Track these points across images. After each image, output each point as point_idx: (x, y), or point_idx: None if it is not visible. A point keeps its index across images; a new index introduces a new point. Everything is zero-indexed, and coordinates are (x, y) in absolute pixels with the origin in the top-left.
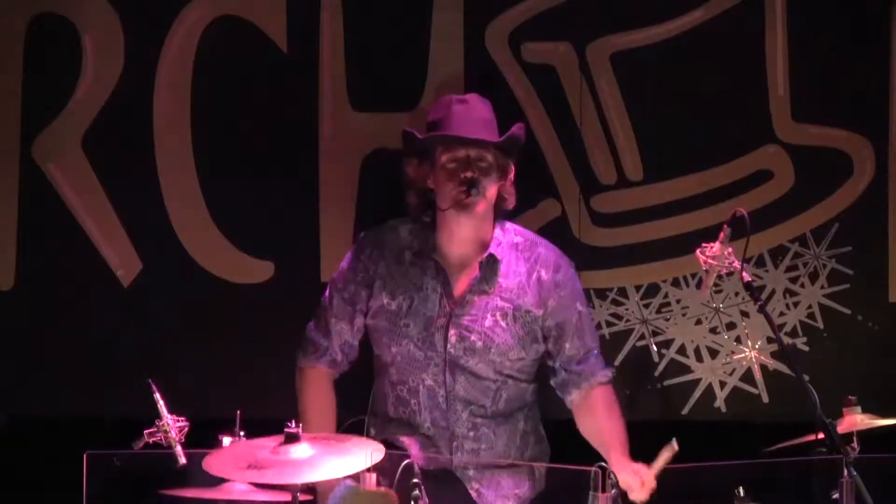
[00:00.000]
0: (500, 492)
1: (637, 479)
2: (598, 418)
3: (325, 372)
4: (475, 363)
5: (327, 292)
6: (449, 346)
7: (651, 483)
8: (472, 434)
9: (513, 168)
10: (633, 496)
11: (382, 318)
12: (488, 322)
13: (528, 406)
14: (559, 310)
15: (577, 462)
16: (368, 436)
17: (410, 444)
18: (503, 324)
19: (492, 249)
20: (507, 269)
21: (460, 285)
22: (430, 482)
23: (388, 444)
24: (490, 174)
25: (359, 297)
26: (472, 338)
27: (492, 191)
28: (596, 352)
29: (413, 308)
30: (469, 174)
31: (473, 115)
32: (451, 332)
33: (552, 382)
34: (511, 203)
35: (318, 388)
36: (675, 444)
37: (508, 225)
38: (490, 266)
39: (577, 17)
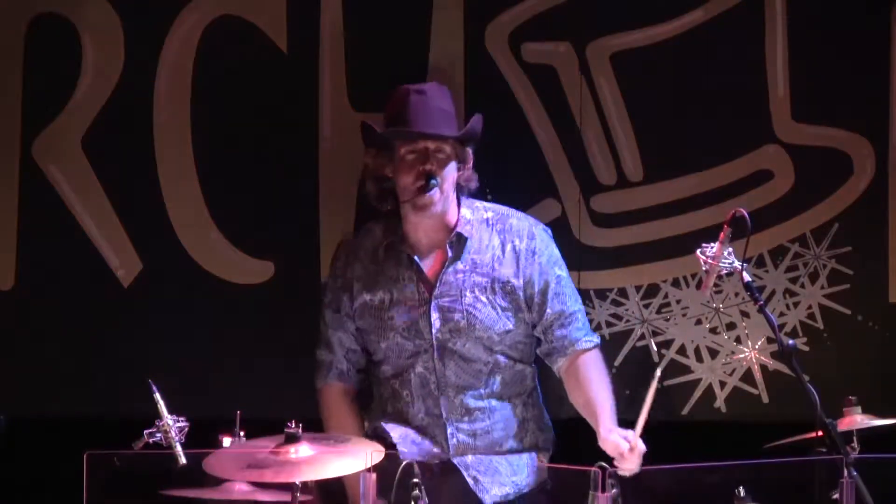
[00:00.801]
0: (496, 479)
1: (625, 443)
2: (586, 385)
3: (337, 387)
4: (463, 344)
5: (322, 309)
6: (435, 330)
7: (640, 448)
8: (465, 419)
9: (471, 155)
10: (624, 465)
11: (368, 315)
12: (468, 299)
13: (527, 392)
14: (538, 276)
15: (577, 462)
16: (364, 434)
17: (402, 439)
18: (483, 298)
19: (459, 228)
20: (478, 244)
21: (433, 269)
22: (426, 472)
23: (379, 437)
24: (448, 164)
25: (342, 303)
26: (456, 317)
27: (450, 179)
28: (580, 316)
29: (394, 300)
30: (427, 167)
31: (430, 106)
32: (434, 315)
33: (539, 351)
34: (473, 185)
35: (333, 403)
36: (657, 373)
37: (478, 203)
38: (459, 245)
39: (577, 17)
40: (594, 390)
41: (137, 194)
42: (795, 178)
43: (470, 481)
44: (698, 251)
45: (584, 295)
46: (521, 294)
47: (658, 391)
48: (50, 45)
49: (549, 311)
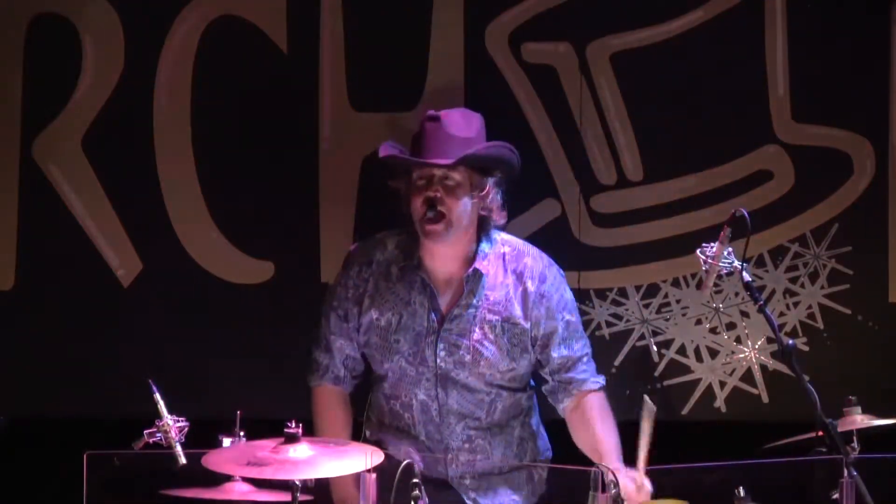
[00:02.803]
0: (496, 499)
1: (632, 484)
2: (592, 427)
3: (331, 389)
4: (466, 376)
5: (323, 311)
6: (439, 360)
7: (646, 485)
8: (466, 446)
9: (489, 185)
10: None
11: (373, 333)
12: (476, 335)
13: (524, 412)
14: (544, 320)
15: (577, 462)
16: (364, 438)
17: (409, 452)
18: (491, 336)
19: (476, 264)
20: (493, 281)
21: (447, 300)
22: (427, 492)
23: (382, 447)
24: (458, 192)
25: (351, 313)
26: (461, 352)
27: (461, 209)
28: (586, 359)
29: (402, 323)
30: (430, 193)
31: (443, 133)
32: (440, 346)
33: (544, 390)
34: (498, 218)
35: (327, 404)
36: (650, 403)
37: (497, 235)
38: (475, 280)
39: (577, 17)
40: (600, 431)
41: (137, 194)
42: (795, 178)
43: (469, 503)
44: (698, 251)
45: (585, 295)
46: (528, 336)
47: (658, 391)
48: (50, 45)
49: (555, 355)
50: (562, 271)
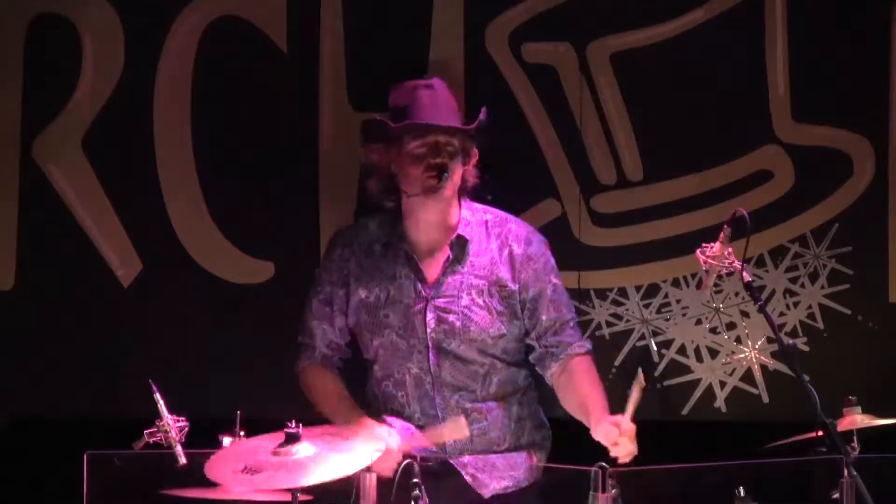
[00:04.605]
0: (494, 473)
1: (615, 428)
2: (579, 386)
3: (318, 366)
4: (458, 345)
5: (307, 298)
6: (429, 329)
7: (629, 428)
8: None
9: (475, 151)
10: (616, 451)
11: (363, 312)
12: (465, 301)
13: (521, 391)
14: (533, 282)
15: (577, 462)
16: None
17: (405, 426)
18: (480, 301)
19: (460, 230)
20: (477, 246)
21: (432, 269)
22: (424, 472)
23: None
24: (456, 158)
25: (336, 296)
26: (451, 318)
27: (457, 175)
28: (572, 323)
29: (390, 298)
30: (439, 160)
31: (439, 101)
32: (430, 315)
33: (531, 358)
34: (472, 183)
35: (319, 378)
36: (641, 377)
37: (476, 205)
38: (459, 246)
39: (577, 17)
40: (587, 390)
41: (137, 194)
42: (795, 178)
43: (468, 479)
44: (698, 251)
45: (585, 295)
46: (516, 299)
47: (658, 391)
48: (50, 45)
49: (543, 318)
50: (545, 239)
